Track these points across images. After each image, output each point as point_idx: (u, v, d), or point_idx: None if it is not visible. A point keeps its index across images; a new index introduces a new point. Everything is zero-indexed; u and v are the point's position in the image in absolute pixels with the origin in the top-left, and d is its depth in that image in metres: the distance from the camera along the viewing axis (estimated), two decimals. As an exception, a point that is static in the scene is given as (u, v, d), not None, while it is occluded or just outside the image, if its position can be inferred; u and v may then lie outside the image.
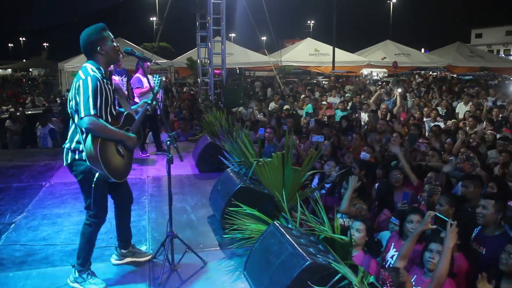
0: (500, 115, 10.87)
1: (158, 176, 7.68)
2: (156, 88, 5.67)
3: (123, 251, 4.52)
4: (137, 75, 8.58)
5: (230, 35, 48.20)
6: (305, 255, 3.56)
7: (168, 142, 4.24)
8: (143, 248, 4.80)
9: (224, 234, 5.08)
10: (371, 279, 3.58)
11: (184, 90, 20.91)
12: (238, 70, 26.61)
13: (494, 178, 5.65)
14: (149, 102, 4.46)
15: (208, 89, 12.47)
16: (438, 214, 3.86)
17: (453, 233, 3.65)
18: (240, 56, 22.69)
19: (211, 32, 12.03)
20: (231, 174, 5.79)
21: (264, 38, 24.80)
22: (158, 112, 5.28)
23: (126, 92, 8.04)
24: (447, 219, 3.75)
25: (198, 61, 12.96)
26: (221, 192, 5.57)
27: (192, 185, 7.32)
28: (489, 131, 8.65)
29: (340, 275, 3.51)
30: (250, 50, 24.21)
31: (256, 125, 9.42)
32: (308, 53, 23.90)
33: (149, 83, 4.44)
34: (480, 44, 59.42)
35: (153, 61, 4.80)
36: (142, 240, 5.12)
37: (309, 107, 12.87)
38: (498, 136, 8.48)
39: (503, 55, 54.39)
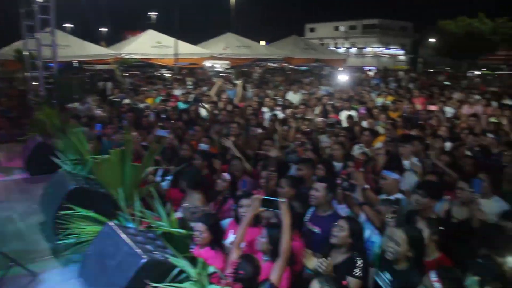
0: (329, 102, 11.85)
1: (-21, 184, 6.84)
2: None
3: None
4: None
5: (65, 25, 45.00)
6: (141, 253, 3.45)
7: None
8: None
9: (57, 241, 4.69)
10: (211, 269, 3.62)
11: (12, 85, 18.91)
12: (77, 64, 24.90)
13: (322, 161, 6.12)
14: None
15: (38, 85, 11.44)
16: (265, 197, 3.99)
17: (286, 211, 3.85)
18: (77, 48, 21.23)
19: (38, 21, 11.01)
20: (64, 174, 5.39)
21: (103, 29, 23.60)
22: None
23: None
24: (277, 199, 3.93)
25: (26, 53, 11.79)
26: (53, 195, 5.16)
27: (21, 190, 6.66)
28: (319, 118, 9.38)
29: (178, 269, 3.49)
30: (89, 42, 22.84)
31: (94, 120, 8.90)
32: (150, 45, 23.34)
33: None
34: (313, 37, 64.34)
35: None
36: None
37: (158, 100, 12.58)
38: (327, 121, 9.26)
39: (333, 48, 59.71)
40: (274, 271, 3.70)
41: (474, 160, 6.22)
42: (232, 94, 12.52)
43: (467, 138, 7.64)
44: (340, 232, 3.84)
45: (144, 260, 3.38)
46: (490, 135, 8.14)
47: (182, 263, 3.51)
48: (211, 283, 3.50)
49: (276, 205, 3.88)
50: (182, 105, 11.48)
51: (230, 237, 4.57)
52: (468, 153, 6.86)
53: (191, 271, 3.45)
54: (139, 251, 3.48)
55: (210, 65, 25.33)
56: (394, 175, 5.03)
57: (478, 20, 47.56)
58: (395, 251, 3.53)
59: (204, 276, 3.49)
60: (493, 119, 9.84)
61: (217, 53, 24.64)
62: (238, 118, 9.02)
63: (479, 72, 38.07)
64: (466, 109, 10.83)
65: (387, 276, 3.63)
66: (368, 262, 3.93)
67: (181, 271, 3.52)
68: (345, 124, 9.55)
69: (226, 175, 5.55)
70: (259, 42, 31.29)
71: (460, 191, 4.81)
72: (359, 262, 3.75)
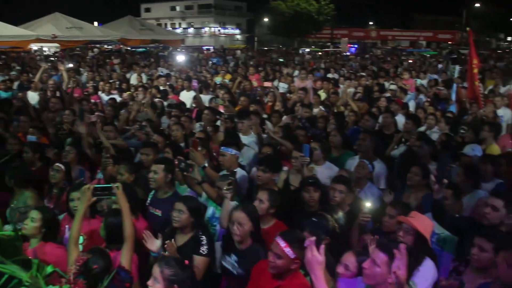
0: (168, 83, 11.71)
1: None
2: None
3: None
4: None
5: None
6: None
7: None
8: None
9: None
10: (49, 269, 3.33)
11: None
12: None
13: (169, 143, 6.06)
14: None
15: None
16: (96, 185, 3.78)
17: (121, 195, 3.71)
18: None
19: None
20: None
21: None
22: None
23: None
24: (109, 185, 3.76)
25: None
26: None
27: None
28: (158, 99, 9.22)
29: (7, 276, 3.13)
30: None
31: None
32: (-42, 25, 20.38)
33: None
34: (149, 18, 62.64)
35: None
36: None
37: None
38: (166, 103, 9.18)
39: (170, 29, 58.97)
40: (123, 257, 3.59)
41: (306, 131, 6.72)
42: (58, 78, 11.57)
43: (299, 110, 8.17)
44: (180, 215, 3.84)
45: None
46: (321, 107, 8.86)
47: (11, 268, 3.14)
48: (49, 284, 3.22)
49: (110, 191, 3.71)
50: (3, 94, 10.30)
51: (67, 233, 4.28)
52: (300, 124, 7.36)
53: (23, 275, 3.12)
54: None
55: (37, 48, 23.10)
56: (232, 151, 5.16)
57: (305, 1, 51.00)
58: (240, 233, 3.62)
59: (40, 278, 3.19)
60: (321, 92, 10.72)
61: (45, 35, 22.56)
62: (70, 104, 8.42)
63: (309, 49, 41.13)
64: (297, 83, 11.55)
65: (233, 258, 3.73)
66: (213, 238, 4.00)
67: (12, 277, 3.16)
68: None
69: (59, 165, 5.16)
70: (92, 23, 29.50)
71: (295, 160, 5.15)
72: (204, 240, 3.80)
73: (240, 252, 3.66)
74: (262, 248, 3.56)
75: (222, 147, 5.20)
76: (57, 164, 5.25)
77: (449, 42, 54.20)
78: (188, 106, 9.33)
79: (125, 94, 10.42)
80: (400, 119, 7.91)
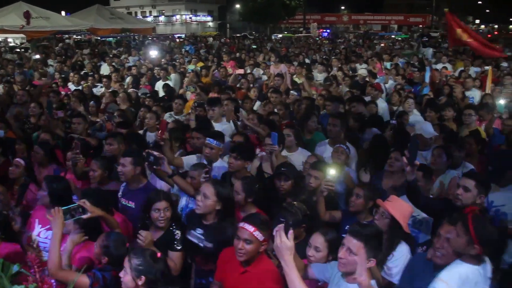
0: (142, 72, 11.51)
1: None
2: None
3: None
4: None
5: None
6: None
7: None
8: None
9: None
10: (16, 268, 3.20)
11: None
12: None
13: (129, 133, 5.98)
14: None
15: None
16: (64, 208, 3.51)
17: (93, 208, 3.60)
18: None
19: None
20: None
21: None
22: None
23: None
24: (77, 204, 3.58)
25: None
26: None
27: None
28: (132, 90, 9.08)
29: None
30: None
31: None
32: None
33: None
34: (119, 6, 61.23)
35: None
36: None
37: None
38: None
39: (140, 17, 57.86)
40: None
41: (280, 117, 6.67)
42: (28, 75, 11.32)
43: (271, 96, 8.09)
44: (166, 213, 3.77)
45: None
46: (293, 91, 8.78)
47: (-28, 269, 3.01)
48: (15, 283, 3.10)
49: (81, 209, 3.51)
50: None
51: (36, 228, 4.13)
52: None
53: (-14, 275, 2.99)
54: None
55: (2, 39, 22.41)
56: (218, 143, 5.01)
57: (276, -13, 50.75)
58: (203, 204, 3.61)
59: (4, 278, 3.06)
60: (294, 77, 10.67)
61: (10, 26, 21.84)
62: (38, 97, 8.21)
63: (281, 35, 41.05)
64: (272, 69, 11.41)
65: (198, 231, 3.72)
66: (185, 230, 3.93)
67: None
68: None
69: (20, 160, 5.01)
70: (59, 13, 28.70)
71: (268, 147, 5.07)
72: (178, 234, 3.75)
73: (206, 226, 3.67)
74: (232, 227, 3.54)
75: (207, 139, 5.00)
76: (16, 159, 5.12)
77: (420, 26, 54.78)
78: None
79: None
80: (381, 104, 8.01)
